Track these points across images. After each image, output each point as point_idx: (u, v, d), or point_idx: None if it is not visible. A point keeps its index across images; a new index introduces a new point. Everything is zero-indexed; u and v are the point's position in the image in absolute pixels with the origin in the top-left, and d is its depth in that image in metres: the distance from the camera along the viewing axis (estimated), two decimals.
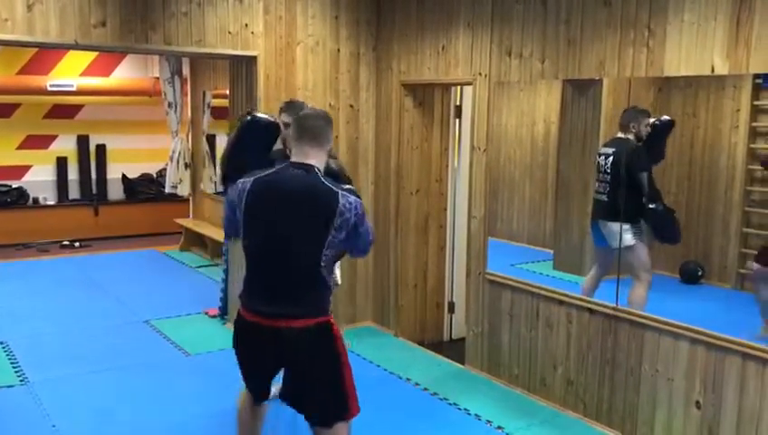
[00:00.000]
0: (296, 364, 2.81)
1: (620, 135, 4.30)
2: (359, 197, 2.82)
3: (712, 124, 4.32)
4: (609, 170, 4.31)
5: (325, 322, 2.80)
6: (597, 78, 4.08)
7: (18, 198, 9.24)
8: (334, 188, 2.76)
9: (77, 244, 9.08)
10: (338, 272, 3.72)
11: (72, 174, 9.65)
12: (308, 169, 2.79)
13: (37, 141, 9.42)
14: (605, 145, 4.45)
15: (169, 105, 8.78)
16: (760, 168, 4.18)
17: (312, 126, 2.86)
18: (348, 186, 2.99)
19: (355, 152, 5.68)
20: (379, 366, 4.99)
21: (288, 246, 2.75)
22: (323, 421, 2.83)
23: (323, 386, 2.81)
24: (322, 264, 2.75)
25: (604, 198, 4.39)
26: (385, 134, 5.65)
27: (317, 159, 2.84)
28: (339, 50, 5.52)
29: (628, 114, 4.20)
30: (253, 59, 5.16)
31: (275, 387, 3.03)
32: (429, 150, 5.59)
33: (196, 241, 8.81)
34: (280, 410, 3.14)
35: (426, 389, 4.62)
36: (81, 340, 5.44)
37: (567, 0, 4.08)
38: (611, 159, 4.30)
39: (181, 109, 8.88)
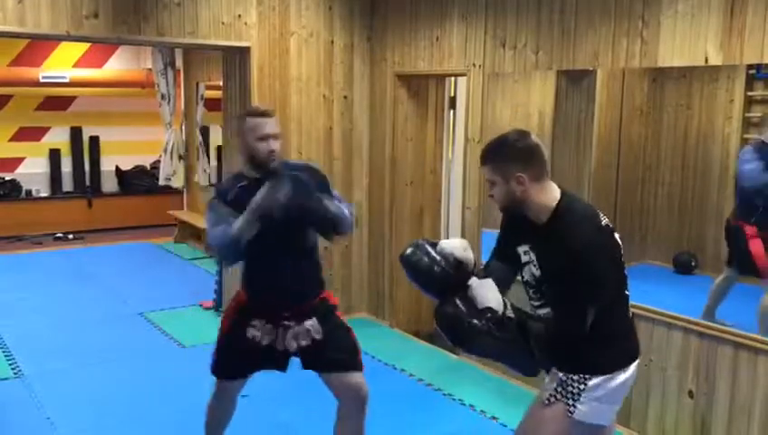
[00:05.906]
0: None
1: None
2: None
3: (706, 115, 4.33)
4: None
5: None
6: (591, 69, 4.08)
7: (11, 191, 9.21)
8: None
9: (70, 236, 9.05)
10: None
11: (66, 166, 9.62)
12: None
13: (30, 133, 9.38)
14: None
15: (162, 97, 8.74)
16: None
17: None
18: None
19: (349, 143, 5.67)
20: (374, 357, 5.00)
21: None
22: None
23: None
24: None
25: None
26: (379, 125, 5.64)
27: None
28: (332, 41, 5.49)
29: None
30: (246, 50, 5.13)
31: None
32: (423, 142, 5.58)
33: (190, 233, 8.79)
34: None
35: (421, 380, 4.64)
36: (75, 332, 5.43)
37: None
38: None
39: (174, 100, 8.84)
